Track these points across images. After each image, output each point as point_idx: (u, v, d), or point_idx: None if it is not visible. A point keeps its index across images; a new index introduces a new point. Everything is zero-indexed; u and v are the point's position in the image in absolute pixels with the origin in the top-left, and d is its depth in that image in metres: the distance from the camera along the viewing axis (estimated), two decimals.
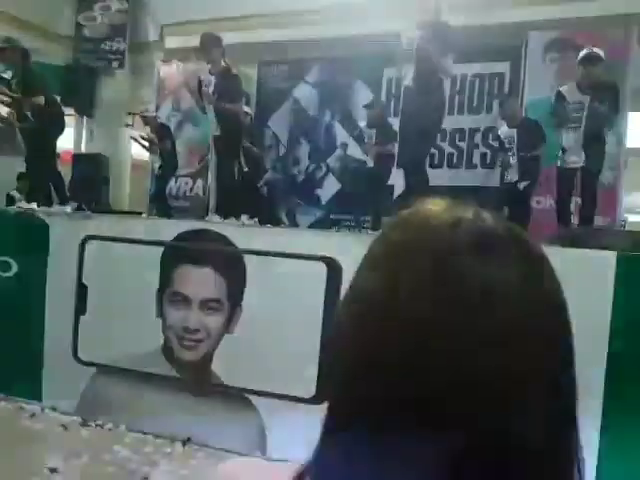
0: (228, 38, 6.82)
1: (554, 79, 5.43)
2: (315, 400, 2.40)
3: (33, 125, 4.30)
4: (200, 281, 2.81)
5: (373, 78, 6.72)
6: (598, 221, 5.26)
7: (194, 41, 7.24)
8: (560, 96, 3.81)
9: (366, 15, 6.30)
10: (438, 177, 6.56)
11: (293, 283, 2.61)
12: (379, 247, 0.38)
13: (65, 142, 6.35)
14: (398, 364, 0.33)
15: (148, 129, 6.15)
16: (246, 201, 5.76)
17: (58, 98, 5.43)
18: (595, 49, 3.65)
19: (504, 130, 4.81)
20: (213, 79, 4.20)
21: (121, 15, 7.97)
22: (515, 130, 4.63)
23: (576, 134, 3.70)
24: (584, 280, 2.08)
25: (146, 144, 6.20)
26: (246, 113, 5.28)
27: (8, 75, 4.66)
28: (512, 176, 4.76)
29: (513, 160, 4.69)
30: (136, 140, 6.33)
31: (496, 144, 6.15)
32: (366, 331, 0.35)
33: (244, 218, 5.34)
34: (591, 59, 3.58)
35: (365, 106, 6.04)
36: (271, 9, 6.62)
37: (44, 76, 4.88)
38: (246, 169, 5.57)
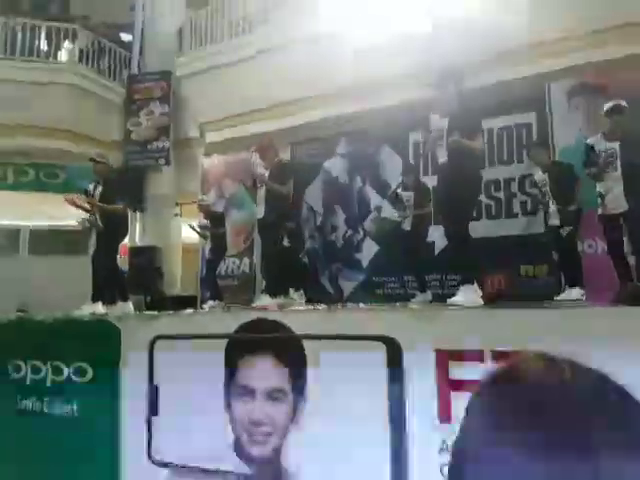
0: (260, 127, 7.40)
1: (582, 124, 5.52)
2: None
3: (105, 228, 4.77)
4: (262, 371, 2.90)
5: (399, 143, 6.99)
6: None
7: (230, 134, 7.89)
8: (589, 147, 3.89)
9: (385, 87, 6.66)
10: (480, 229, 6.62)
11: (352, 366, 2.66)
12: (483, 406, 0.47)
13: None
14: None
15: (201, 216, 6.58)
16: (290, 275, 5.99)
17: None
18: (619, 100, 3.76)
19: (539, 175, 4.87)
20: (267, 172, 4.61)
21: (164, 117, 8.71)
22: (547, 174, 4.69)
23: (611, 180, 3.74)
24: None
25: (200, 231, 6.61)
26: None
27: (91, 186, 5.27)
28: (554, 220, 4.75)
29: (552, 204, 4.71)
30: (193, 229, 6.74)
31: (535, 191, 6.20)
32: None
33: (292, 293, 5.53)
34: (616, 110, 3.67)
35: (402, 173, 6.24)
36: (295, 96, 7.11)
37: (120, 186, 5.42)
38: (287, 244, 5.82)
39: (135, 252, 8.03)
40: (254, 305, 4.34)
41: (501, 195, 6.64)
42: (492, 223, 6.66)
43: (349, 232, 7.33)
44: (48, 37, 8.05)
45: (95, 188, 5.04)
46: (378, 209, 7.18)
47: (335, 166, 7.50)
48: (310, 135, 7.58)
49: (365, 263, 7.19)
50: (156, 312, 3.58)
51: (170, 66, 8.56)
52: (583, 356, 0.49)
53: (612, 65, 5.60)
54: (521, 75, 6.08)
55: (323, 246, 7.43)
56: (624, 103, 3.72)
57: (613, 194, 3.71)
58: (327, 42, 6.90)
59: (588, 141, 3.95)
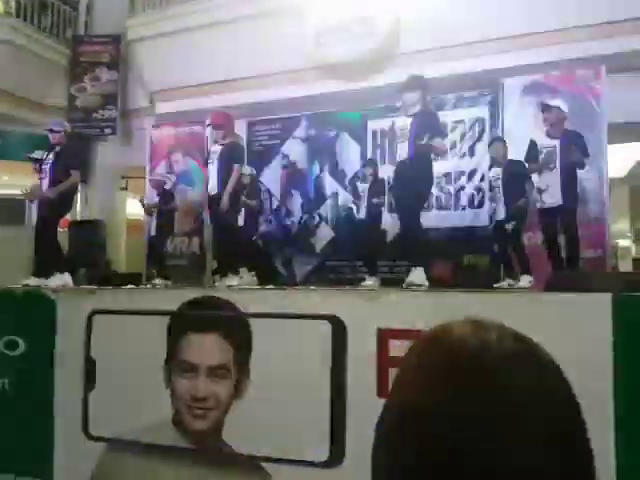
0: (215, 100, 7.18)
1: (533, 121, 5.72)
2: (328, 464, 2.41)
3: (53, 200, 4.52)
4: (207, 348, 2.86)
5: (358, 130, 7.01)
6: (589, 254, 5.42)
7: (184, 105, 7.61)
8: (533, 143, 4.09)
9: (350, 72, 6.63)
10: (430, 219, 6.78)
11: (298, 344, 2.67)
12: (415, 362, 0.47)
13: None
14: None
15: (152, 192, 6.39)
16: (244, 255, 5.92)
17: None
18: (553, 99, 4.00)
19: (493, 170, 5.03)
20: (219, 148, 4.48)
21: (112, 84, 8.29)
22: (501, 170, 4.84)
23: (551, 176, 3.94)
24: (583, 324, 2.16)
25: (147, 207, 6.45)
26: (244, 174, 5.52)
27: (39, 155, 4.94)
28: (499, 215, 4.93)
29: (501, 199, 4.88)
30: (142, 203, 6.55)
31: (484, 185, 6.40)
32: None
33: (243, 272, 5.46)
34: (547, 109, 3.98)
35: (362, 166, 6.34)
36: (256, 71, 6.94)
37: (74, 156, 5.11)
38: (242, 224, 5.75)
39: (77, 226, 7.65)
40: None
41: (451, 188, 6.83)
42: (441, 214, 6.85)
43: (305, 217, 7.33)
44: None
45: (46, 157, 4.75)
46: (335, 196, 7.22)
47: (294, 150, 7.45)
48: (268, 114, 7.46)
49: (319, 248, 7.22)
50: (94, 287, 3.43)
51: (121, 29, 8.11)
52: None
53: (566, 64, 5.82)
54: (477, 69, 6.21)
55: (278, 230, 7.39)
56: (555, 103, 3.96)
57: (550, 189, 3.88)
58: (292, 17, 6.75)
59: (532, 137, 4.14)
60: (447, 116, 6.60)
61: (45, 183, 4.66)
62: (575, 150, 3.84)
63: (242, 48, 6.96)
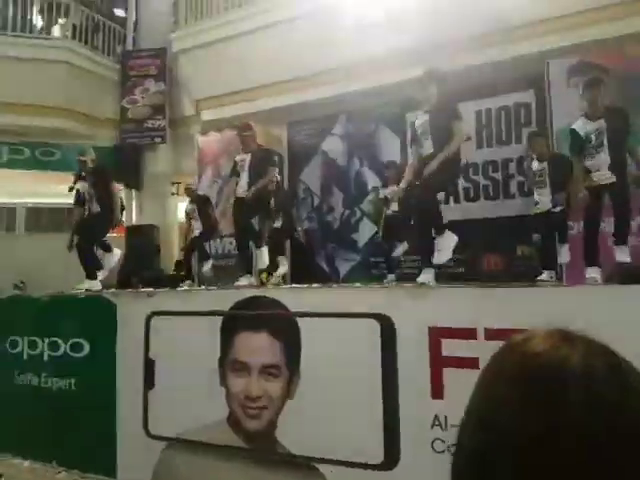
0: (257, 105, 7.33)
1: (580, 103, 5.47)
2: (384, 466, 2.42)
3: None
4: (258, 347, 2.94)
5: (397, 123, 6.94)
6: None
7: (228, 112, 7.81)
8: (574, 133, 3.80)
9: (383, 66, 6.58)
10: (477, 210, 6.63)
11: (346, 343, 2.69)
12: (492, 376, 0.47)
13: None
14: None
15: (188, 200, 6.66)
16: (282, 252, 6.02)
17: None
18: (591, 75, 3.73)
19: (535, 165, 4.84)
20: (248, 157, 4.56)
21: (160, 95, 8.61)
22: (546, 163, 4.66)
23: (600, 156, 3.62)
24: None
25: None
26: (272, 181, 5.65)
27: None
28: (544, 206, 4.73)
29: (543, 192, 4.69)
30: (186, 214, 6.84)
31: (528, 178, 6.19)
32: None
33: (282, 268, 5.57)
34: (589, 84, 3.65)
35: (385, 166, 6.29)
36: (293, 74, 7.02)
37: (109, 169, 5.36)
38: (277, 225, 5.84)
39: (132, 231, 8.01)
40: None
41: (498, 176, 6.64)
42: (490, 204, 6.67)
43: (346, 213, 7.34)
44: (41, 12, 7.88)
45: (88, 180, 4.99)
46: (375, 190, 7.18)
47: (333, 147, 7.47)
48: (308, 114, 7.52)
49: (361, 244, 7.21)
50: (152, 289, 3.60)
51: (165, 42, 8.42)
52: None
53: (612, 43, 5.54)
54: (520, 53, 6.01)
55: (320, 227, 7.44)
56: (598, 76, 3.68)
57: (601, 169, 3.61)
58: (325, 19, 6.78)
59: (573, 126, 3.84)
60: (492, 102, 6.43)
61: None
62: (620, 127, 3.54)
63: (280, 52, 7.06)
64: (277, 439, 2.84)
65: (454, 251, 3.50)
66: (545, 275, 4.26)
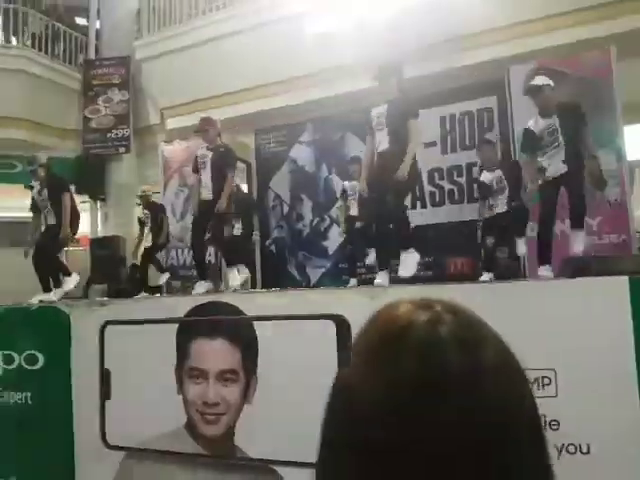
0: (222, 113, 7.29)
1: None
2: None
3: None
4: (214, 353, 2.90)
5: (363, 130, 6.98)
6: (613, 239, 5.26)
7: (193, 120, 7.74)
8: (528, 131, 3.81)
9: (348, 75, 6.65)
10: (442, 214, 6.72)
11: (303, 345, 2.68)
12: (364, 343, 0.46)
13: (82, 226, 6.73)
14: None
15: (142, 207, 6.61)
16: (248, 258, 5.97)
17: (73, 188, 5.80)
18: (537, 78, 3.80)
19: (486, 176, 4.86)
20: (210, 154, 4.46)
21: (123, 104, 8.50)
22: (498, 171, 4.71)
23: (555, 153, 3.63)
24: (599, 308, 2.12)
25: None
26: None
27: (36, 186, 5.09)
28: (501, 208, 4.77)
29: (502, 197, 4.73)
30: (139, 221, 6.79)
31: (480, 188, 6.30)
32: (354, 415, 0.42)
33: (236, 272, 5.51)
34: (534, 89, 3.69)
35: (348, 162, 6.19)
36: (259, 81, 7.03)
37: (64, 178, 5.23)
38: (236, 232, 5.80)
39: (97, 242, 7.85)
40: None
41: (462, 180, 6.75)
42: (454, 208, 6.77)
43: (316, 220, 7.35)
44: None
45: (41, 189, 4.87)
46: (344, 195, 7.22)
47: (301, 155, 7.49)
48: (275, 122, 7.52)
49: (331, 250, 7.22)
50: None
51: (129, 50, 8.33)
52: None
53: (571, 49, 5.71)
54: (481, 59, 6.15)
55: (290, 234, 7.43)
56: (542, 80, 3.73)
57: (554, 165, 3.62)
58: (291, 26, 6.83)
59: (528, 125, 3.84)
60: (455, 107, 6.54)
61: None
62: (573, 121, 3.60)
63: (245, 59, 7.07)
64: (235, 444, 2.80)
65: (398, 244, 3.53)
66: (485, 276, 4.30)
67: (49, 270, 4.54)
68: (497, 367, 0.43)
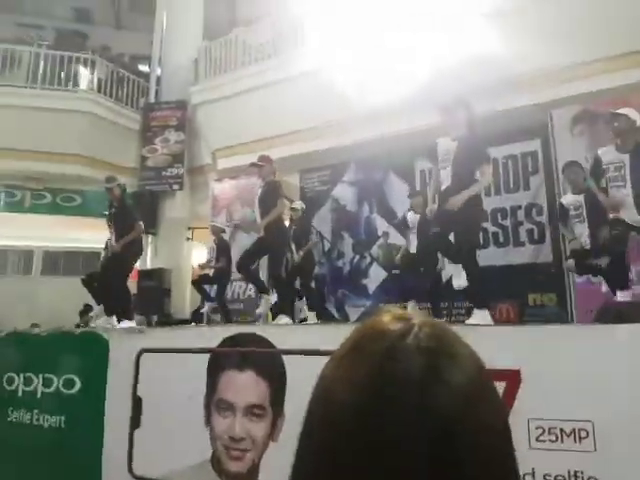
0: (270, 154, 7.51)
1: (585, 151, 5.47)
2: None
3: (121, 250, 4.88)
4: (243, 386, 2.89)
5: (406, 170, 7.05)
6: None
7: (242, 161, 8.07)
8: (597, 159, 3.74)
9: (391, 115, 6.76)
10: (488, 257, 6.56)
11: None
12: (341, 346, 0.48)
13: None
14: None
15: (211, 239, 6.72)
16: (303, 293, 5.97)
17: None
18: (628, 110, 3.64)
19: (567, 198, 4.56)
20: (259, 190, 4.66)
21: (179, 145, 8.97)
22: (582, 196, 4.36)
23: (621, 192, 3.52)
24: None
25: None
26: (294, 209, 5.68)
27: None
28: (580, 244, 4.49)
29: (580, 227, 4.49)
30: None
31: (543, 219, 6.11)
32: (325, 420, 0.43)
33: (306, 311, 5.47)
34: (614, 117, 3.60)
35: (409, 195, 6.10)
36: (305, 124, 7.27)
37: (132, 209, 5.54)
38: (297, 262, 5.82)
39: (144, 274, 8.15)
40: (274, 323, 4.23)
41: (508, 223, 6.61)
42: (499, 251, 6.61)
43: (356, 258, 7.37)
44: (69, 67, 8.44)
45: (110, 210, 5.18)
46: (385, 235, 7.22)
47: (343, 193, 7.60)
48: (319, 162, 7.71)
49: (372, 289, 7.17)
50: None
51: (186, 96, 8.86)
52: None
53: (616, 92, 5.60)
54: (524, 103, 6.12)
55: (330, 272, 7.46)
56: (624, 111, 3.59)
57: (625, 208, 3.49)
58: (334, 73, 7.07)
59: (599, 152, 3.75)
60: (498, 151, 6.49)
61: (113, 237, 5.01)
62: None
63: (292, 104, 7.36)
64: None
65: (466, 297, 3.39)
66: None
67: (103, 295, 4.73)
68: (458, 382, 0.42)
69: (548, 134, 6.08)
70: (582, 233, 4.33)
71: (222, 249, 6.59)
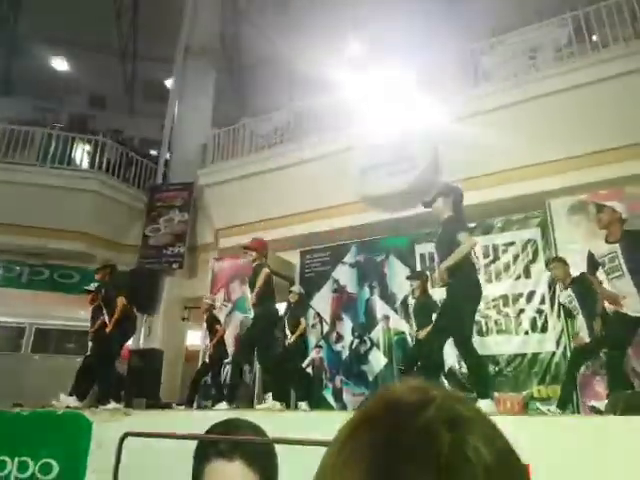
0: (271, 234, 7.66)
1: (583, 240, 5.55)
2: None
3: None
4: (230, 478, 2.68)
5: (406, 254, 7.08)
6: None
7: (243, 240, 8.15)
8: (590, 254, 3.82)
9: (394, 203, 6.95)
10: (489, 345, 6.40)
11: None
12: (344, 429, 0.43)
13: None
14: None
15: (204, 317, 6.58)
16: (292, 384, 5.75)
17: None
18: (610, 205, 3.75)
19: (563, 294, 4.69)
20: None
21: (182, 225, 9.11)
22: (571, 289, 4.54)
23: (622, 281, 3.54)
24: None
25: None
26: (292, 292, 5.64)
27: (91, 287, 5.47)
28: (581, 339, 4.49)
29: (580, 320, 4.51)
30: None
31: (545, 307, 6.05)
32: None
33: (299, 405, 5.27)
34: (599, 208, 3.76)
35: (408, 277, 6.06)
36: (305, 207, 7.46)
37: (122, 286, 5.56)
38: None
39: (135, 355, 7.90)
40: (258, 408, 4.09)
41: (510, 311, 6.53)
42: (501, 339, 6.48)
43: (355, 342, 7.19)
44: (80, 148, 8.80)
45: (99, 292, 5.20)
46: (385, 319, 7.10)
47: (343, 275, 7.58)
48: (319, 243, 7.79)
49: (371, 376, 6.92)
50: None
51: (193, 178, 9.16)
52: None
53: (610, 185, 5.78)
54: (520, 192, 6.30)
55: (328, 356, 7.25)
56: (609, 203, 3.74)
57: (629, 300, 3.48)
58: (336, 160, 7.39)
59: (589, 248, 3.87)
60: (497, 239, 6.57)
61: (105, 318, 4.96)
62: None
63: (293, 188, 7.64)
64: None
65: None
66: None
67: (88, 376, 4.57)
68: (488, 463, 0.37)
69: (546, 223, 6.21)
70: (581, 326, 4.35)
71: (211, 326, 6.47)
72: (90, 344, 5.39)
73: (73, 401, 4.24)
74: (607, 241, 3.67)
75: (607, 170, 5.87)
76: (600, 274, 3.77)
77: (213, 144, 9.18)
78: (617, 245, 3.58)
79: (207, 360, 6.39)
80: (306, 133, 7.99)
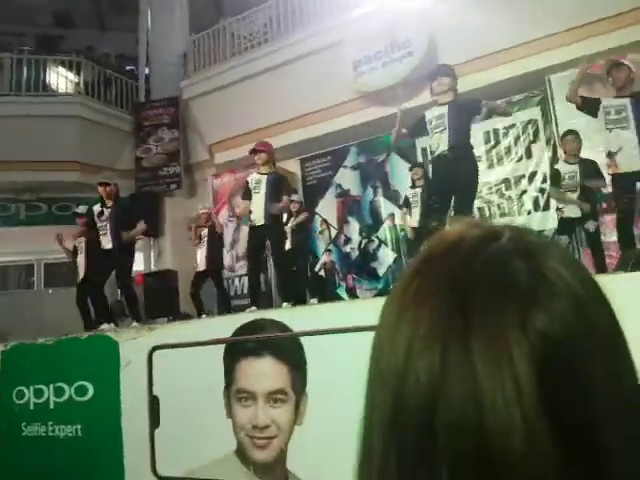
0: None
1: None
2: None
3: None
4: (262, 373, 2.79)
5: (407, 150, 6.93)
6: None
7: (240, 153, 7.92)
8: (591, 100, 3.76)
9: (391, 96, 6.63)
10: None
11: (354, 358, 2.53)
12: (409, 269, 0.37)
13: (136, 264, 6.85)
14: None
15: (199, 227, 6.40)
16: (304, 284, 5.85)
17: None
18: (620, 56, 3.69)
19: (562, 166, 4.65)
20: (264, 177, 4.46)
21: (174, 143, 8.82)
22: (577, 166, 4.47)
23: (623, 136, 3.48)
24: None
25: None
26: (293, 200, 5.58)
27: (81, 210, 5.27)
28: (570, 212, 4.54)
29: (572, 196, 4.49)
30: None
31: (547, 186, 6.00)
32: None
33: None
34: (614, 65, 3.63)
35: (410, 168, 6.01)
36: (301, 111, 7.14)
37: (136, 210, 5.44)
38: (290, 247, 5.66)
39: (151, 277, 8.02)
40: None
41: (512, 193, 6.54)
42: (504, 221, 6.53)
43: (364, 242, 7.29)
44: (53, 71, 8.27)
45: (102, 212, 4.99)
46: (391, 217, 7.14)
47: (345, 179, 7.51)
48: (318, 149, 7.59)
49: (382, 271, 7.09)
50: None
51: (176, 92, 8.70)
52: None
53: (613, 53, 5.47)
54: (521, 71, 6.00)
55: (339, 258, 7.39)
56: (623, 60, 3.61)
57: (625, 152, 3.42)
58: (329, 55, 6.94)
59: (602, 101, 3.69)
60: (498, 123, 6.39)
61: (106, 238, 4.83)
62: None
63: (287, 91, 7.22)
64: (288, 469, 2.65)
65: None
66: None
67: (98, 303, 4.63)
68: (575, 291, 0.32)
69: (547, 100, 5.99)
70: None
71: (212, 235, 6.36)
72: (83, 269, 5.36)
73: (107, 327, 4.35)
74: (618, 96, 3.59)
75: (610, 38, 5.53)
76: (599, 121, 3.67)
77: (193, 52, 8.59)
78: (627, 99, 3.51)
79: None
80: (294, 28, 7.45)
